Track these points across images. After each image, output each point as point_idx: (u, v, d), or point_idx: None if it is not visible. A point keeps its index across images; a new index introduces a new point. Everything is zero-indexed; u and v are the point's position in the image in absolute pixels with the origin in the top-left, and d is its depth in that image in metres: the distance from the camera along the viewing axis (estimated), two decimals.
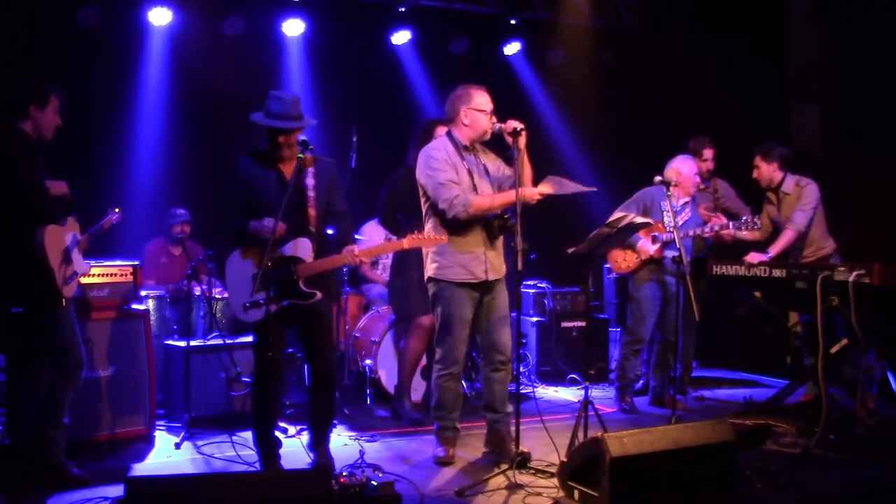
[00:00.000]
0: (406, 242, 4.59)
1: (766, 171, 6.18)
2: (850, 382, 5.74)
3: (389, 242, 5.02)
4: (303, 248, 4.52)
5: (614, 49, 8.95)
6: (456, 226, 4.74)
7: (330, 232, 4.77)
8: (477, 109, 4.81)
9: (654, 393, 6.49)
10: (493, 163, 4.96)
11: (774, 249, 5.96)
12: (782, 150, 6.18)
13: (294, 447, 5.07)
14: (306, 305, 4.54)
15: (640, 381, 6.95)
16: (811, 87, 7.60)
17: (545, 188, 4.77)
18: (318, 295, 4.54)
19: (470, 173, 4.79)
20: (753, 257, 5.95)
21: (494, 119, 4.80)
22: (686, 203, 6.24)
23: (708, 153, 6.76)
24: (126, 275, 5.26)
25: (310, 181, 4.61)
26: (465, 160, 4.80)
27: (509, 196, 4.65)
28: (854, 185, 6.86)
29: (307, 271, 4.51)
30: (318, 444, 4.84)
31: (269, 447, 4.69)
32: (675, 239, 5.41)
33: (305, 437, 5.07)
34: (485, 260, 4.80)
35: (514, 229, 4.58)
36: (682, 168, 6.24)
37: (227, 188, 4.64)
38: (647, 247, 6.12)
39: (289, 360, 5.83)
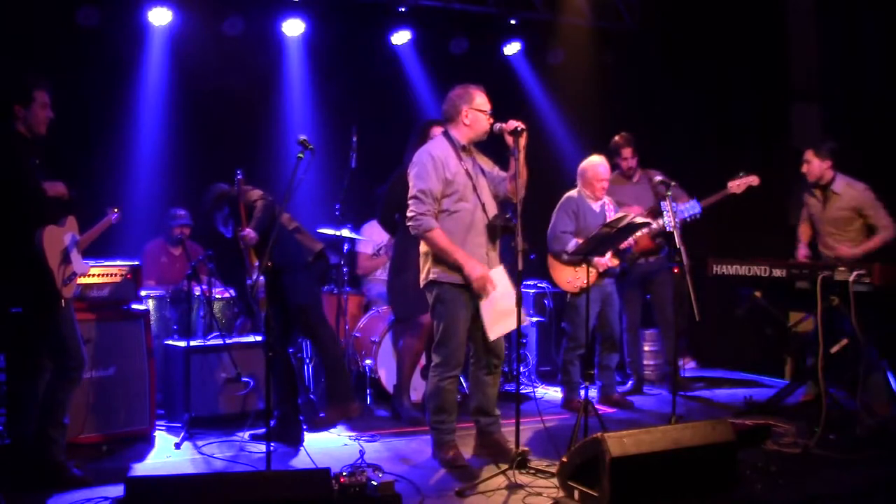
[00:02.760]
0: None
1: (818, 167, 6.04)
2: (863, 381, 5.66)
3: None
4: None
5: (614, 49, 8.95)
6: (463, 228, 4.73)
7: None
8: (478, 109, 4.79)
9: (602, 392, 6.50)
10: (487, 164, 4.96)
11: (863, 249, 5.86)
12: (833, 147, 6.05)
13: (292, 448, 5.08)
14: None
15: (630, 381, 6.96)
16: (811, 87, 7.60)
17: None
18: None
19: (469, 174, 4.77)
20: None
21: (491, 120, 4.79)
22: (603, 205, 6.23)
23: (626, 152, 6.72)
24: (126, 275, 5.26)
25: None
26: (462, 161, 4.79)
27: (460, 258, 4.63)
28: None
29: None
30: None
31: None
32: (674, 238, 5.41)
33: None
34: (487, 261, 4.79)
35: (515, 230, 4.57)
36: (588, 171, 6.25)
37: None
38: (603, 259, 6.10)
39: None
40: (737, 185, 6.38)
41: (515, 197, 4.68)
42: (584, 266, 6.05)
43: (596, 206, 6.22)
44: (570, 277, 6.18)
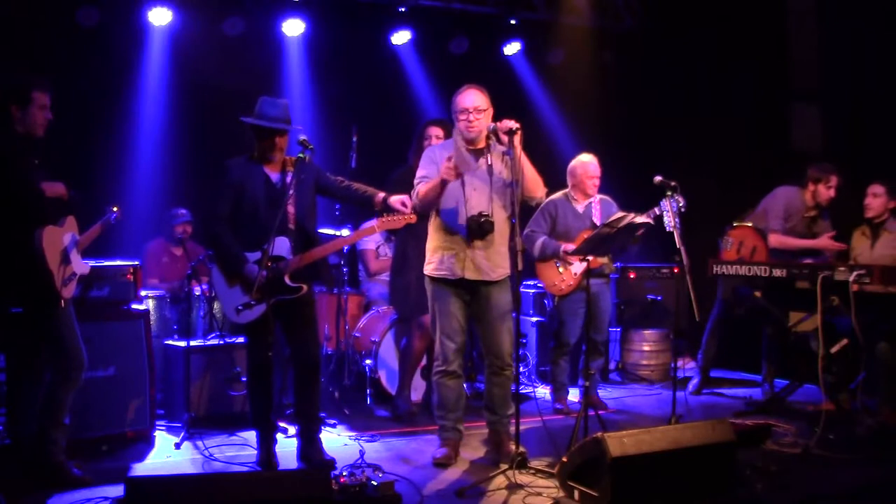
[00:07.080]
0: (377, 226, 4.81)
1: (883, 205, 5.90)
2: (863, 382, 5.63)
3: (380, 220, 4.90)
4: (281, 246, 4.69)
5: (614, 49, 8.95)
6: (444, 225, 4.83)
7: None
8: (456, 114, 4.83)
9: (583, 392, 6.43)
10: (500, 162, 4.93)
11: None
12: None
13: (293, 447, 5.06)
14: (292, 299, 4.73)
15: (696, 379, 6.90)
16: (811, 87, 7.60)
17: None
18: (304, 288, 4.73)
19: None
20: None
21: (476, 116, 4.74)
22: (588, 205, 6.18)
23: (834, 180, 6.24)
24: (126, 275, 5.26)
25: (292, 180, 4.83)
26: None
27: (432, 183, 4.75)
28: (854, 185, 6.86)
29: (291, 267, 4.71)
30: (311, 443, 4.86)
31: (268, 446, 4.80)
32: (675, 238, 5.40)
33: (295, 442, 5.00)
34: (464, 258, 4.80)
35: (492, 229, 4.69)
36: (577, 169, 6.21)
37: (222, 195, 4.77)
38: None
39: (286, 360, 5.82)
40: None
41: (529, 196, 4.82)
42: (567, 269, 6.06)
43: (580, 207, 6.19)
44: (556, 280, 6.16)
